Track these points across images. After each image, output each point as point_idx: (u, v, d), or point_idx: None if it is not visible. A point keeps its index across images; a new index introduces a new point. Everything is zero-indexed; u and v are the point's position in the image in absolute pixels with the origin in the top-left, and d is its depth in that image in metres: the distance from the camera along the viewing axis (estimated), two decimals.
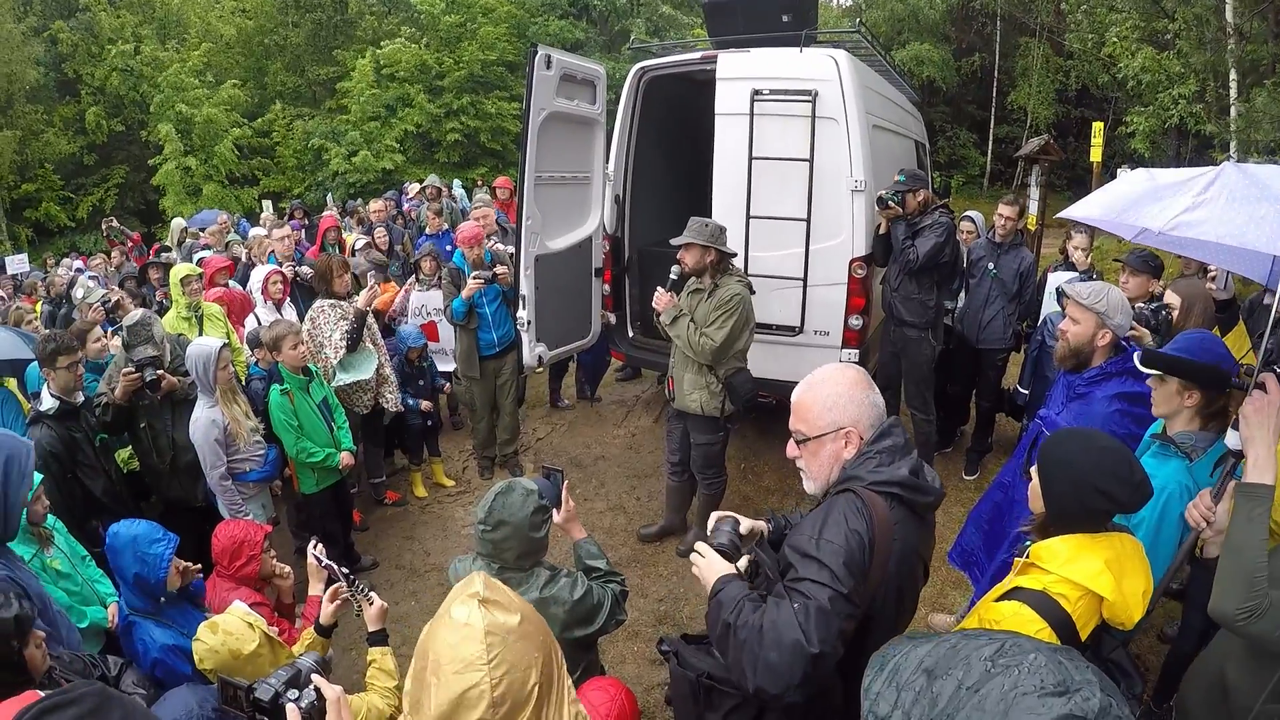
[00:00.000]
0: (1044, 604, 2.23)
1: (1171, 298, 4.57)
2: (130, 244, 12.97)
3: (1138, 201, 2.83)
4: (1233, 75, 14.31)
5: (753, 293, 5.45)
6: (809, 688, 1.99)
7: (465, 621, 1.45)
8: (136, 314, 5.30)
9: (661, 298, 5.42)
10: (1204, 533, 2.71)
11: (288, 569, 3.94)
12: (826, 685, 2.11)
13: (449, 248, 8.38)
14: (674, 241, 5.33)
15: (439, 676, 1.44)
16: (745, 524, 2.48)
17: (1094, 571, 2.22)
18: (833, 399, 2.30)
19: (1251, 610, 2.18)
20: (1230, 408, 2.96)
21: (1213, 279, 4.82)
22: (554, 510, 3.07)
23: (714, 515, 2.50)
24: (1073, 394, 3.60)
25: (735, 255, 5.46)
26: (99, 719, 1.62)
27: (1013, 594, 2.32)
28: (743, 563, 2.37)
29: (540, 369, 6.82)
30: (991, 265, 6.46)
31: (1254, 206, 2.44)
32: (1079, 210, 3.24)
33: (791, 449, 2.40)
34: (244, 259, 8.81)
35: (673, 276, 5.45)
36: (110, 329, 6.24)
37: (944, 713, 1.11)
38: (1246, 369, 2.85)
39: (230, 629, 3.00)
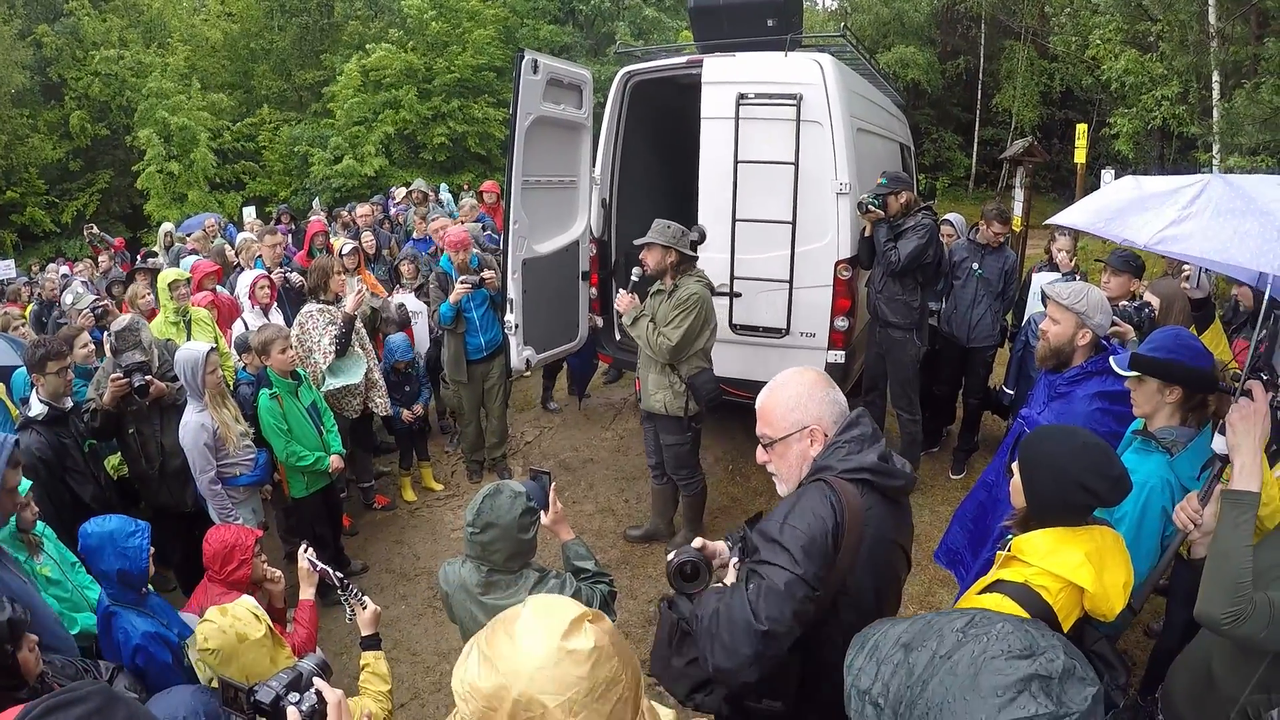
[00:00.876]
0: (1026, 596, 2.27)
1: (1151, 297, 4.64)
2: (113, 250, 12.93)
3: (1124, 211, 2.84)
4: (1215, 77, 14.42)
5: (714, 293, 5.53)
6: (760, 665, 2.05)
7: (595, 644, 1.33)
8: (124, 319, 5.32)
9: (623, 299, 5.52)
10: (1191, 535, 2.75)
11: (278, 573, 3.95)
12: (781, 665, 2.15)
13: (432, 251, 8.42)
14: (636, 242, 5.42)
15: (587, 708, 1.31)
16: (699, 541, 2.51)
17: (1074, 564, 2.26)
18: (795, 400, 2.36)
19: (1236, 615, 2.22)
20: (1209, 400, 3.01)
21: (1186, 278, 4.86)
22: (542, 512, 3.10)
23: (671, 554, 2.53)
24: (1054, 393, 3.64)
25: (697, 257, 5.52)
26: (104, 717, 1.64)
27: (995, 587, 2.36)
28: (732, 567, 2.42)
29: (528, 373, 6.85)
30: (976, 265, 6.55)
31: (1239, 220, 2.45)
32: (1066, 217, 3.27)
33: (761, 455, 2.46)
34: (236, 262, 8.78)
35: (634, 278, 5.56)
36: (99, 334, 6.24)
37: (920, 679, 1.17)
38: (1233, 374, 2.89)
39: (239, 615, 3.04)
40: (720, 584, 2.39)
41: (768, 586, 2.07)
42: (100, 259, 11.91)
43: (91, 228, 14.05)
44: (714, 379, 5.53)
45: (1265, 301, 3.02)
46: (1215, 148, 14.46)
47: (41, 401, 4.67)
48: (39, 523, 3.84)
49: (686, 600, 2.37)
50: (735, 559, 2.44)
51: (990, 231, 6.58)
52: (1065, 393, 3.60)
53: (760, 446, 2.45)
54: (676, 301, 5.29)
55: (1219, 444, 2.63)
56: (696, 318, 5.28)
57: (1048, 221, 3.86)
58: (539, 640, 1.34)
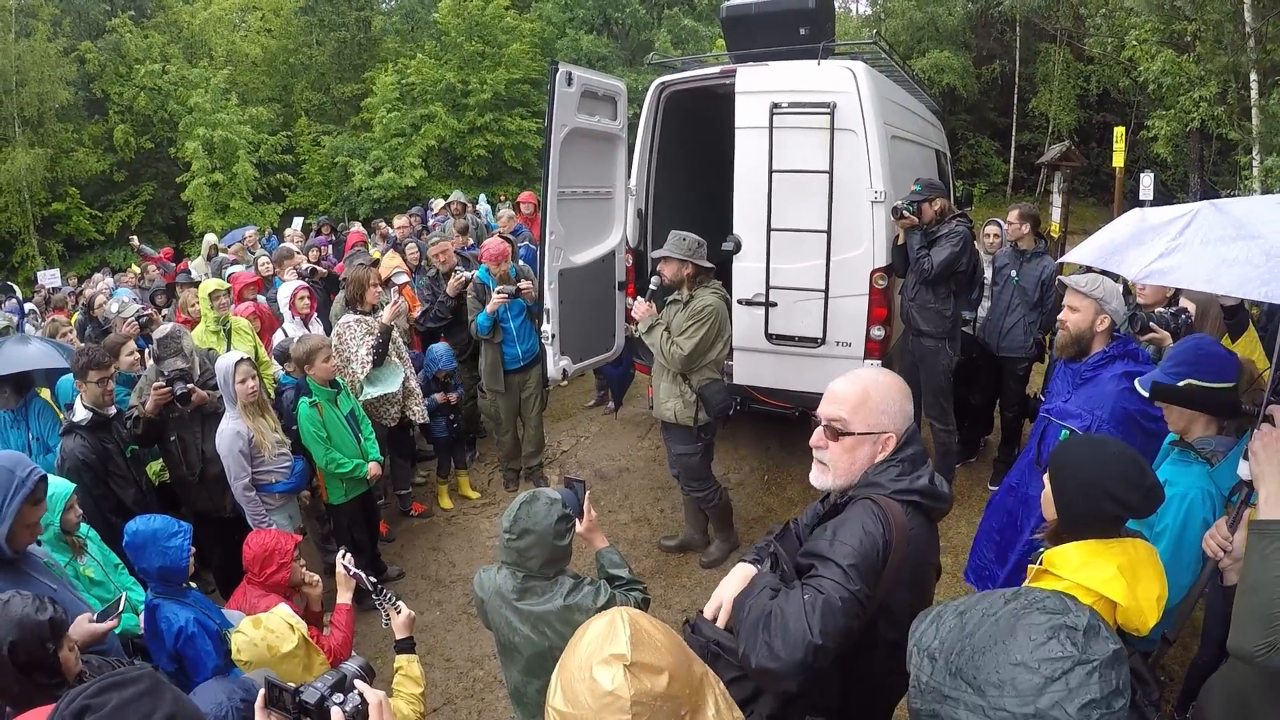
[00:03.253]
0: None
1: (1187, 302, 4.58)
2: (156, 260, 13.18)
3: (1124, 245, 2.81)
4: (1253, 76, 14.21)
5: (729, 306, 5.60)
6: (804, 676, 2.04)
7: (610, 690, 1.34)
8: (167, 327, 5.47)
9: (640, 307, 5.64)
10: (1223, 562, 2.69)
11: (316, 577, 4.03)
12: (824, 679, 2.16)
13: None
14: (653, 255, 5.46)
15: None
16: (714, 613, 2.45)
17: (1106, 577, 2.24)
18: (887, 402, 2.31)
19: (1270, 646, 2.16)
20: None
21: None
22: (576, 520, 3.13)
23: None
24: (1079, 380, 3.69)
25: (713, 269, 5.57)
26: (155, 699, 1.72)
27: None
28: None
29: (565, 382, 6.90)
30: (1014, 273, 6.50)
31: (1227, 247, 2.40)
32: (1078, 255, 3.24)
33: (818, 438, 2.38)
34: (271, 273, 8.96)
35: (652, 287, 5.69)
36: (144, 343, 6.37)
37: (968, 634, 1.36)
38: (1256, 400, 2.84)
39: (272, 626, 3.11)
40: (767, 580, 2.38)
41: (825, 601, 2.05)
42: (149, 267, 12.15)
43: (133, 240, 14.35)
44: (725, 389, 5.60)
45: None
46: (1255, 149, 14.25)
47: (85, 407, 4.78)
48: (83, 525, 3.95)
49: (710, 625, 2.36)
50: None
51: (1009, 227, 6.64)
52: (1092, 377, 3.64)
53: (823, 430, 2.37)
54: (691, 312, 5.37)
55: (1244, 470, 2.58)
56: (710, 329, 5.35)
57: (1062, 259, 3.87)
58: (578, 651, 1.43)
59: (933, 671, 1.37)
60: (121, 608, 3.26)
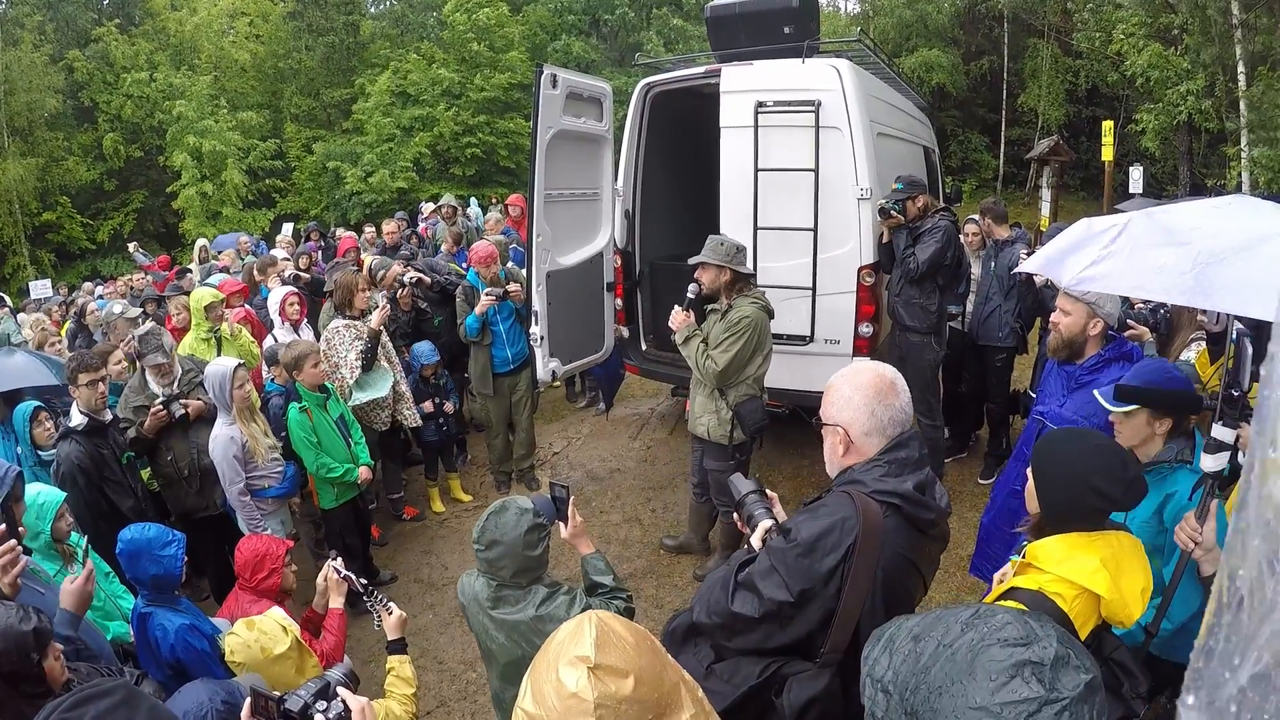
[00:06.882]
0: (1040, 603, 2.21)
1: None
2: (151, 269, 13.21)
3: (1066, 252, 2.90)
4: (1240, 68, 14.25)
5: (771, 315, 5.28)
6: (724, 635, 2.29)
7: (574, 691, 1.34)
8: (146, 325, 5.51)
9: (677, 316, 5.29)
10: (1194, 553, 2.71)
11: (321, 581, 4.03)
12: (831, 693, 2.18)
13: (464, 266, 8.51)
14: (691, 261, 5.24)
15: None
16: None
17: (1089, 570, 2.22)
18: (849, 393, 2.35)
19: None
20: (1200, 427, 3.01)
21: (1203, 311, 4.60)
22: (561, 525, 3.14)
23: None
24: (1074, 384, 3.65)
25: (753, 275, 5.36)
26: (130, 709, 1.73)
27: (1010, 594, 2.32)
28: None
29: (556, 383, 6.90)
30: (993, 264, 6.58)
31: (1157, 254, 2.49)
32: (1030, 264, 3.35)
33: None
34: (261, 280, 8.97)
35: (690, 295, 5.29)
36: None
37: (924, 667, 1.25)
38: (1212, 394, 2.89)
39: (265, 629, 3.13)
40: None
41: (756, 573, 2.21)
42: (138, 275, 12.17)
43: (130, 247, 14.41)
44: (762, 408, 5.31)
45: (1233, 335, 3.01)
46: (1244, 139, 14.28)
47: (81, 413, 4.78)
48: (73, 534, 3.95)
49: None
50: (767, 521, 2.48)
51: (982, 226, 6.83)
52: (1087, 382, 3.59)
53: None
54: (728, 324, 5.06)
55: (1208, 463, 2.66)
56: (747, 343, 5.03)
57: (1016, 270, 3.86)
58: (548, 652, 1.43)
59: (887, 707, 1.29)
60: (85, 553, 3.47)
